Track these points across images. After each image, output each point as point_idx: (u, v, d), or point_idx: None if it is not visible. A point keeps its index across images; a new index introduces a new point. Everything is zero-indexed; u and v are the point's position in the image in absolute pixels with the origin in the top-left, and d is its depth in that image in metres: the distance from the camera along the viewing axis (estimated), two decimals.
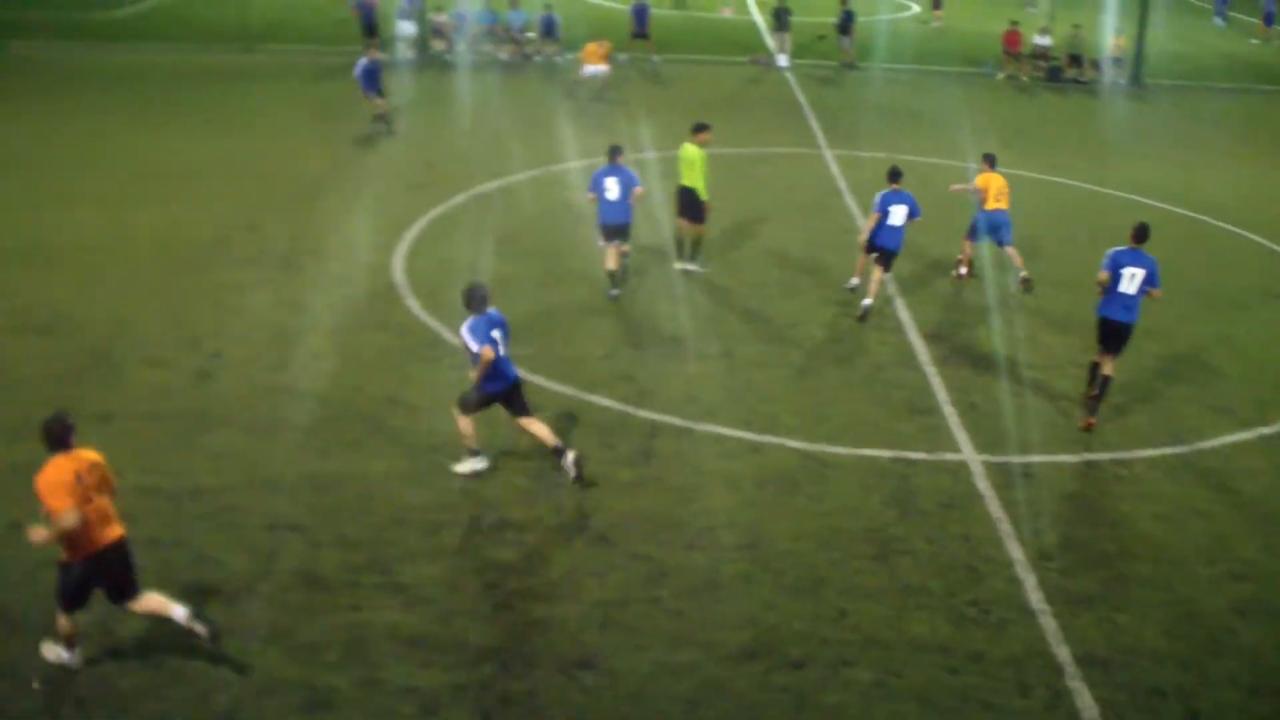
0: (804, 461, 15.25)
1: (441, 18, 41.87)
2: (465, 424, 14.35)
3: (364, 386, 16.67)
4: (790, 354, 18.49)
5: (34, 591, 11.83)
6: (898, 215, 19.75)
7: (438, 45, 41.52)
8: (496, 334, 13.98)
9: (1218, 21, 60.74)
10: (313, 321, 18.73)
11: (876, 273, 19.85)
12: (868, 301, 19.76)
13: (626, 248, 20.53)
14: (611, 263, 20.10)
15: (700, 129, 20.80)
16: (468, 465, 14.58)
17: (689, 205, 20.88)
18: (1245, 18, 58.52)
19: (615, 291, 20.27)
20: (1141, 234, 16.65)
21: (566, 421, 15.85)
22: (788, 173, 28.49)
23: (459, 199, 24.99)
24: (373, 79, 30.39)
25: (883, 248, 19.82)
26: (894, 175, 20.01)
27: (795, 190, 27.06)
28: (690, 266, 21.27)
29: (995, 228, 21.50)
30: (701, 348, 18.44)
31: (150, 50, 40.71)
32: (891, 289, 21.09)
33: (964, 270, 22.08)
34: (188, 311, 18.97)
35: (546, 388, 16.78)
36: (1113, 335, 16.49)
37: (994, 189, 21.45)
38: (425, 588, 12.34)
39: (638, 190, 20.01)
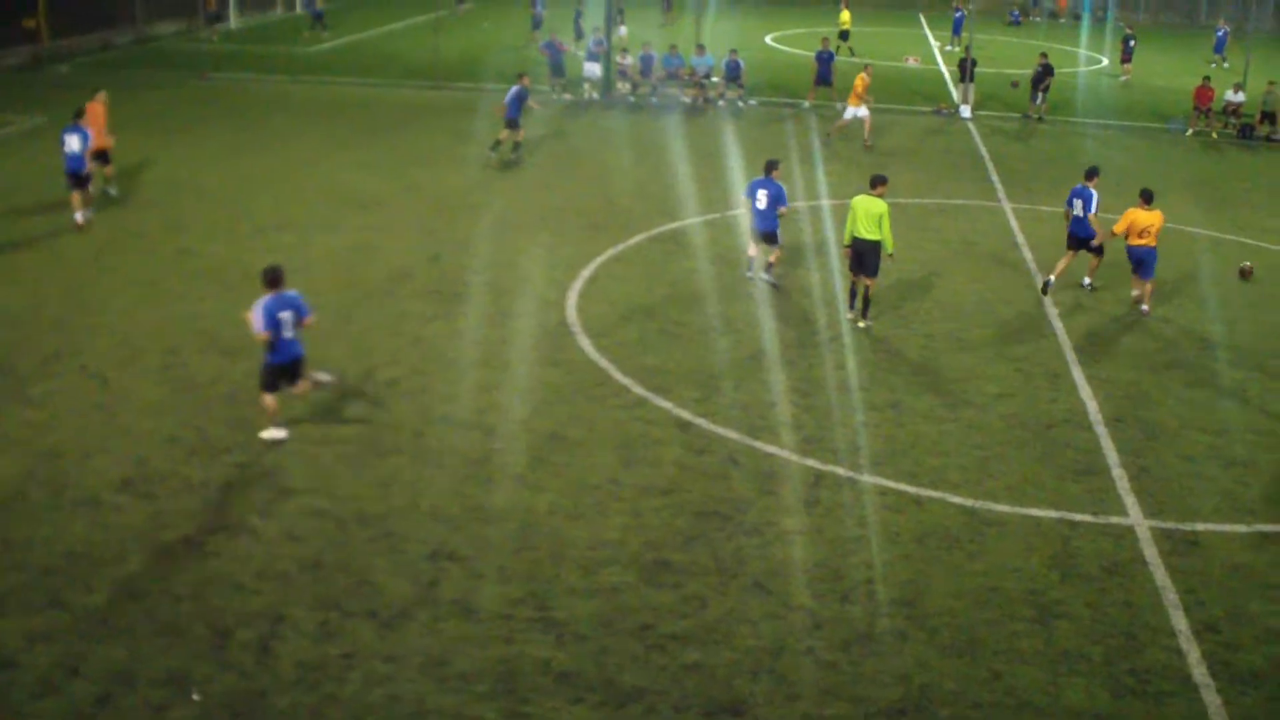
0: (966, 518, 15.11)
1: (627, 60, 42.46)
2: (268, 400, 15.90)
3: (531, 421, 16.97)
4: (959, 408, 18.34)
5: (200, 605, 12.27)
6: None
7: (622, 87, 42.07)
8: (286, 314, 15.60)
9: None
10: (486, 354, 19.15)
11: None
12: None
13: (776, 254, 22.97)
14: (752, 250, 23.17)
15: (879, 181, 20.89)
16: (270, 434, 16.02)
17: (865, 259, 20.82)
18: None
19: (750, 274, 23.13)
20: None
21: (730, 465, 15.95)
22: (965, 225, 28.26)
23: (636, 240, 25.30)
24: (515, 107, 31.11)
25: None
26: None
27: (972, 243, 26.84)
28: (863, 323, 21.16)
29: (1139, 262, 22.33)
30: (870, 398, 18.39)
31: (344, 84, 42.00)
32: (1066, 348, 20.78)
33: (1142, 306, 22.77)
34: (367, 338, 19.54)
35: (713, 432, 16.89)
36: None
37: (1141, 225, 22.10)
38: (579, 624, 12.49)
39: (783, 209, 22.35)
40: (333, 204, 27.14)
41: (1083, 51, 62.63)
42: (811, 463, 16.24)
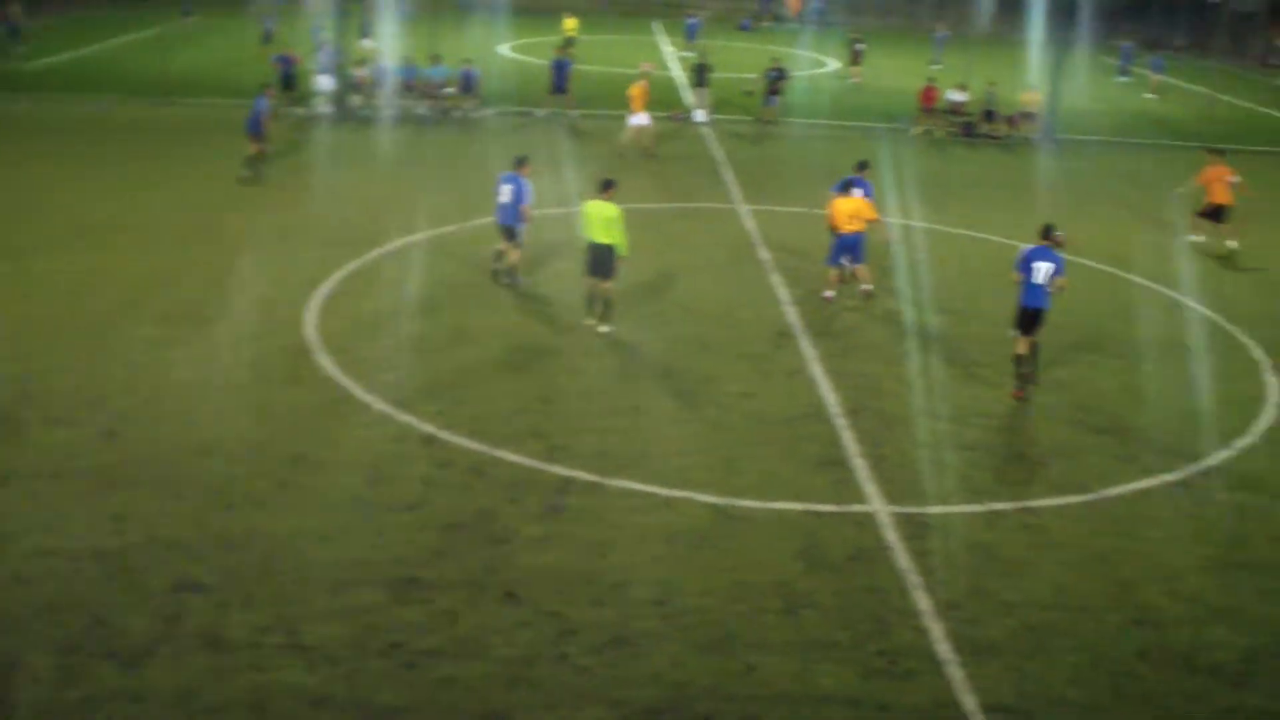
0: (714, 516, 15.30)
1: (361, 72, 41.91)
2: None
3: (272, 443, 16.56)
4: (702, 409, 18.57)
5: None
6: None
7: (356, 100, 41.53)
8: None
9: (1122, 78, 62.31)
10: (223, 378, 18.61)
11: None
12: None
13: (515, 254, 23.34)
14: (501, 245, 23.55)
15: (607, 186, 21.18)
16: None
17: (601, 262, 20.95)
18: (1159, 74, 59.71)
19: (497, 266, 23.67)
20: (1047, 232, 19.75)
21: (476, 477, 15.84)
22: (703, 228, 28.64)
23: (374, 254, 24.96)
24: (255, 121, 30.62)
25: None
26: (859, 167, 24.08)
27: (710, 246, 27.22)
28: (603, 328, 21.27)
29: (848, 248, 23.43)
30: (613, 403, 18.49)
31: (65, 101, 40.49)
32: (804, 345, 21.24)
33: (830, 294, 23.67)
34: (97, 367, 18.79)
35: (456, 443, 16.76)
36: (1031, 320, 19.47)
37: (846, 212, 23.16)
38: (330, 647, 12.24)
39: (525, 207, 22.86)
40: (56, 228, 25.99)
41: (812, 55, 64.20)
42: (557, 469, 16.24)
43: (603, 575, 13.82)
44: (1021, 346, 19.53)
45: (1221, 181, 29.50)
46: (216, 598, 12.99)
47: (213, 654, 12.06)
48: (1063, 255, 19.43)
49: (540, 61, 47.80)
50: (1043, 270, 19.23)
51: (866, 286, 23.83)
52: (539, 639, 12.56)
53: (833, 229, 23.42)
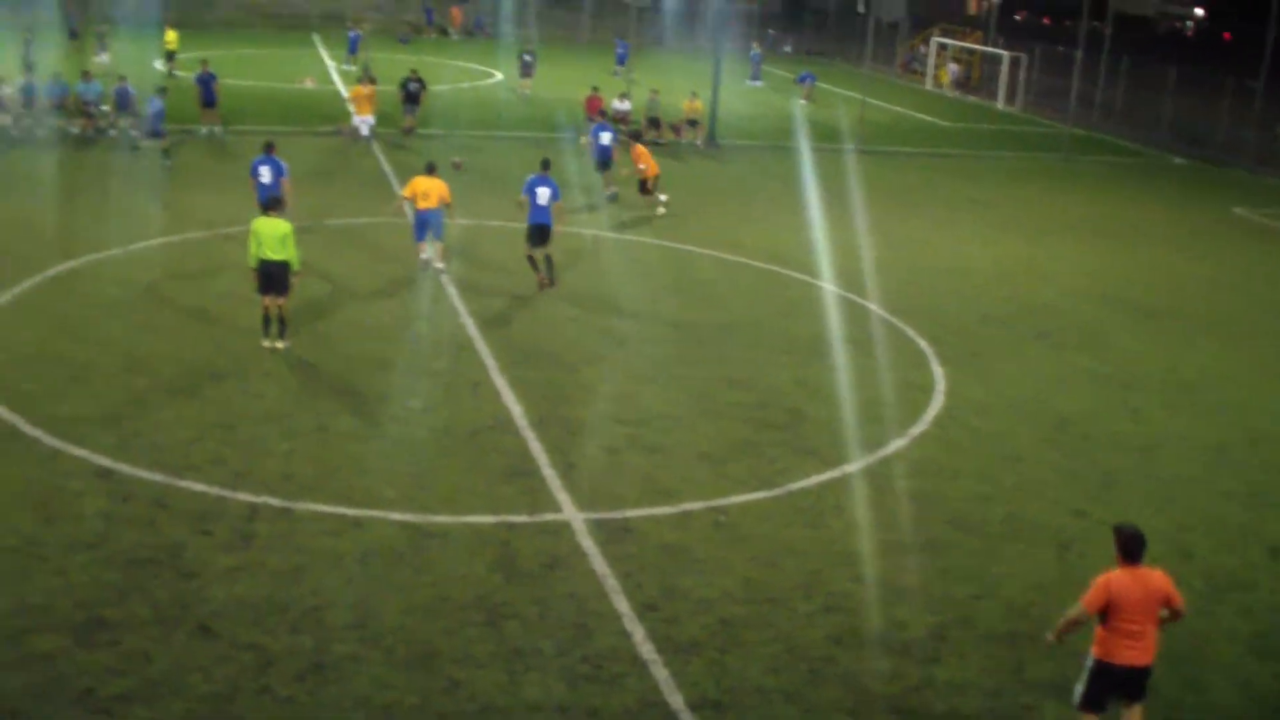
0: (407, 533, 15.16)
1: (5, 89, 39.89)
2: None
3: None
4: (386, 426, 18.40)
5: None
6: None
7: (3, 120, 39.53)
8: None
9: (753, 83, 65.36)
10: None
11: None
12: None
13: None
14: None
15: (275, 204, 21.07)
16: None
17: (275, 279, 20.51)
18: (781, 71, 62.02)
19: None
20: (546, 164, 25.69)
21: (158, 509, 15.29)
22: (374, 242, 28.30)
23: (32, 281, 23.75)
24: None
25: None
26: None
27: (383, 261, 26.93)
28: (279, 344, 20.85)
29: (425, 224, 25.64)
30: (295, 425, 18.11)
31: None
32: (485, 356, 21.26)
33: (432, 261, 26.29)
34: None
35: (136, 476, 16.13)
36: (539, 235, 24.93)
37: (422, 190, 25.43)
38: (12, 699, 11.58)
39: (285, 181, 25.04)
40: None
41: (479, 67, 64.31)
42: (243, 496, 15.81)
43: (298, 601, 13.52)
44: (538, 255, 25.07)
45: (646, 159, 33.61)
46: None
47: None
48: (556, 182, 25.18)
49: (189, 75, 46.25)
50: (544, 194, 24.84)
51: (439, 264, 26.14)
52: (238, 672, 12.20)
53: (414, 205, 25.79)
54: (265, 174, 25.25)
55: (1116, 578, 10.96)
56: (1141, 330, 26.02)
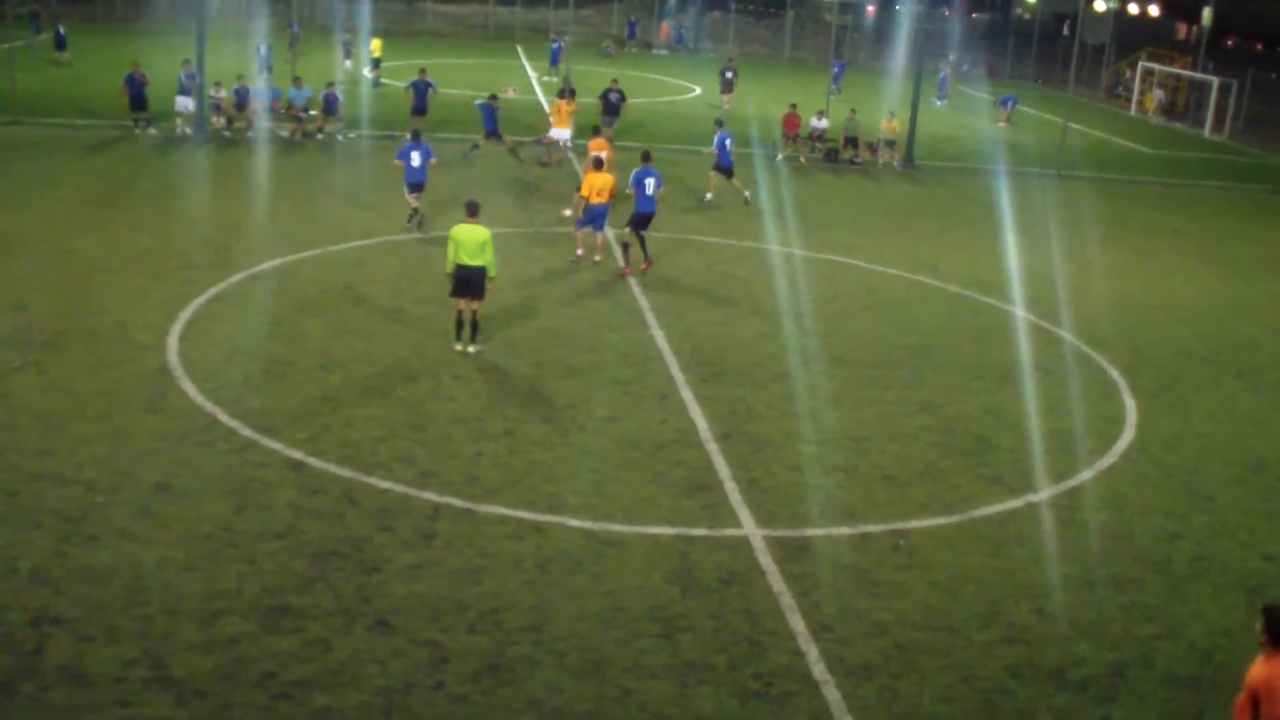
0: (586, 541, 15.26)
1: (221, 93, 41.28)
2: None
3: (135, 472, 16.17)
4: (571, 433, 18.54)
5: None
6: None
7: (217, 122, 40.92)
8: None
9: (940, 103, 64.87)
10: (81, 405, 18.13)
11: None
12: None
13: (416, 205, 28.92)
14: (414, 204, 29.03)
15: (475, 209, 21.15)
16: None
17: (471, 284, 20.85)
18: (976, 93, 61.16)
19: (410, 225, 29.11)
20: (646, 156, 28.39)
21: (346, 504, 15.64)
22: (570, 252, 28.57)
23: (236, 278, 24.54)
24: None
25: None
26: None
27: (577, 270, 27.21)
28: (471, 348, 21.19)
29: (598, 218, 27.19)
30: (483, 428, 18.37)
31: None
32: (674, 369, 21.33)
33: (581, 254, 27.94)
34: None
35: (326, 470, 16.53)
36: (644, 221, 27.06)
37: (597, 186, 26.85)
38: (199, 680, 11.96)
39: (432, 161, 28.91)
40: None
41: (679, 82, 64.69)
42: (428, 495, 16.09)
43: (476, 603, 13.70)
44: (635, 241, 26.97)
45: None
46: (79, 630, 12.63)
47: (76, 690, 11.72)
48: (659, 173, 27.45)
49: (402, 83, 47.30)
50: (651, 184, 27.14)
51: (597, 257, 27.71)
52: (414, 668, 12.41)
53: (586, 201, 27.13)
54: (415, 158, 28.51)
55: (1258, 670, 9.96)
56: None
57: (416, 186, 28.94)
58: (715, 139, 35.63)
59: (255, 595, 13.50)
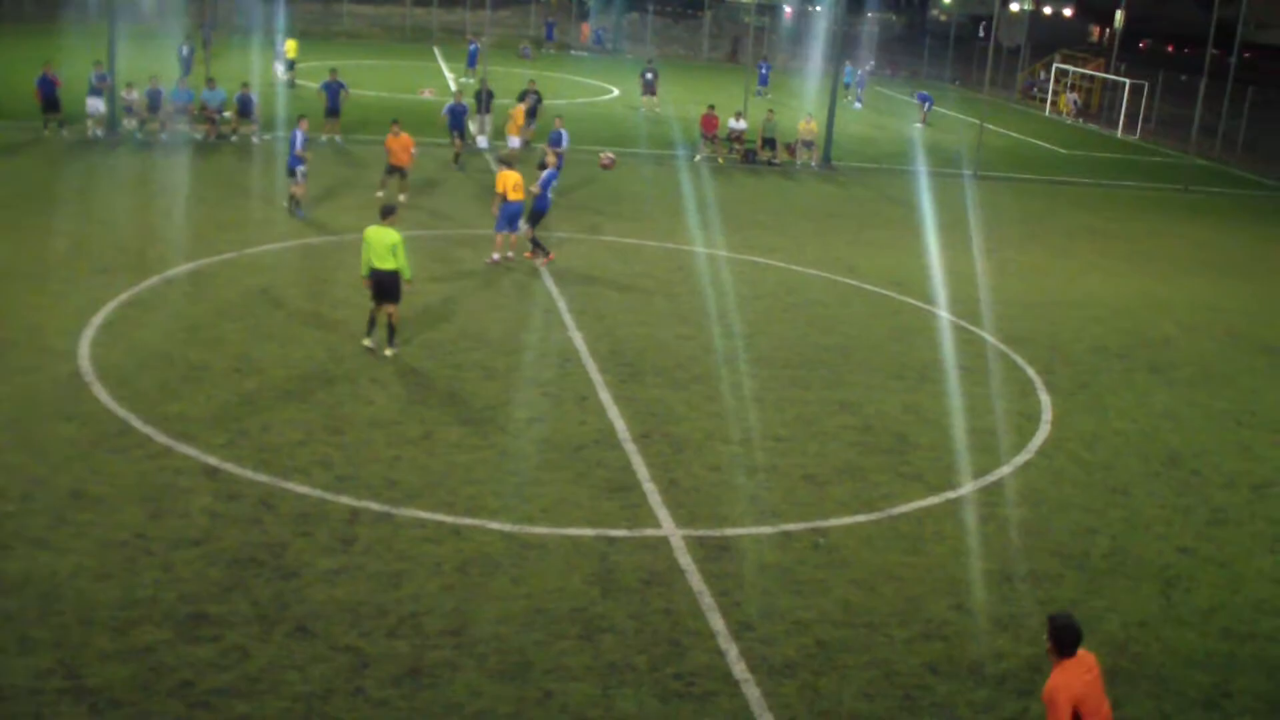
0: (506, 543, 15.23)
1: (133, 95, 40.73)
2: None
3: (48, 479, 15.92)
4: (491, 436, 18.49)
5: None
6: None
7: (129, 124, 40.38)
8: None
9: (856, 105, 65.74)
10: None
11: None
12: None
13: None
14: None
15: (388, 212, 21.16)
16: None
17: (387, 287, 20.75)
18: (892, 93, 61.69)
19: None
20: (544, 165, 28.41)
21: (263, 510, 15.50)
22: (486, 254, 28.50)
23: (150, 282, 24.24)
24: None
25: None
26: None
27: (494, 272, 27.14)
28: (387, 351, 21.09)
29: (513, 216, 27.31)
30: (401, 431, 18.28)
31: None
32: (592, 371, 21.33)
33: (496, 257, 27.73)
34: None
35: (242, 476, 16.37)
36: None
37: (513, 183, 27.01)
38: (115, 690, 11.81)
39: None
40: None
41: (597, 83, 64.69)
42: (346, 500, 15.99)
43: (396, 607, 13.63)
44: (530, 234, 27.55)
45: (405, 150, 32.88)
46: None
47: None
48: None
49: (315, 85, 46.91)
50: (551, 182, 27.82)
51: (510, 254, 27.90)
52: (334, 673, 12.33)
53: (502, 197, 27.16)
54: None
55: (1063, 682, 10.01)
56: (1260, 367, 25.48)
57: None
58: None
59: (172, 603, 13.35)
